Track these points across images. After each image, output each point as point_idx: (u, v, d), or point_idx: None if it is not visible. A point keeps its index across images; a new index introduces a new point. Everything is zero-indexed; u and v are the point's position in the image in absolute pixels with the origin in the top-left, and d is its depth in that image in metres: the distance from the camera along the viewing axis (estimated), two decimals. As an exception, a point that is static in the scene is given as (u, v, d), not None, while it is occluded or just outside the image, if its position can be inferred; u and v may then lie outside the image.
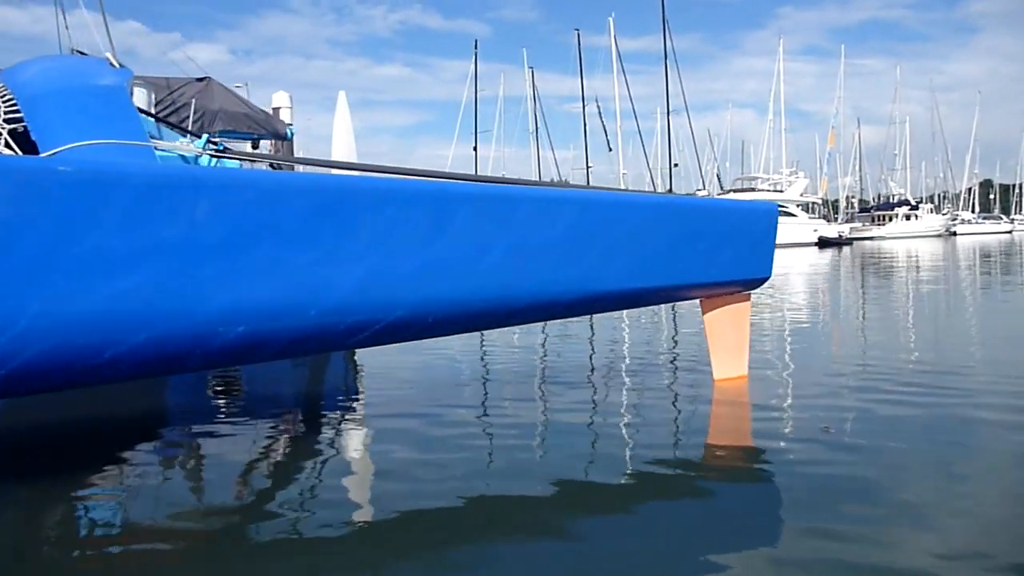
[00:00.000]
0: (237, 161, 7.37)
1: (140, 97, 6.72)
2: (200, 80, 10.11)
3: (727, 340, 5.11)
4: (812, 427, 3.84)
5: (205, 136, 6.88)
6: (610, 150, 58.29)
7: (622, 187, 57.93)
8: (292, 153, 11.13)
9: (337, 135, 10.37)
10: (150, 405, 4.89)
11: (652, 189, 60.19)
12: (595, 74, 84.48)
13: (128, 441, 3.90)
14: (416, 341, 4.41)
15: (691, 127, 58.39)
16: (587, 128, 60.47)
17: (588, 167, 61.42)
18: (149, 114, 6.45)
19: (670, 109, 55.06)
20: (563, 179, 69.36)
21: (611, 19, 57.26)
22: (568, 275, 4.07)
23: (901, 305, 10.46)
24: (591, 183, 61.64)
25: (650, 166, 59.15)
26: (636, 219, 4.38)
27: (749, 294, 5.16)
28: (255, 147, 10.99)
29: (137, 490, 3.14)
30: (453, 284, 3.65)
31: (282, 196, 3.20)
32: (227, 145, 10.34)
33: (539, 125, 66.21)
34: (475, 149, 63.65)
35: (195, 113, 9.85)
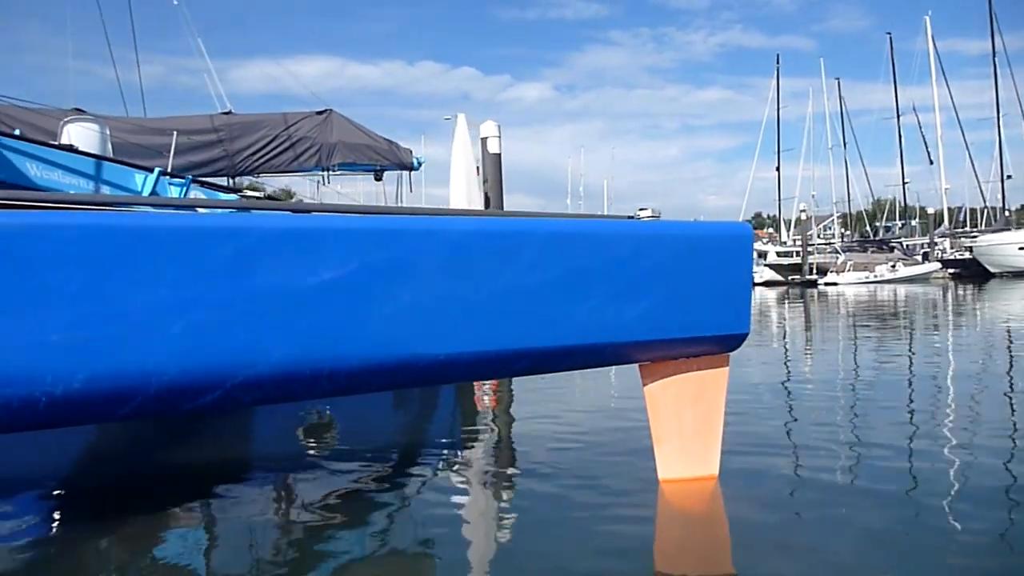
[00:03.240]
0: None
1: (84, 136, 6.43)
2: (320, 113, 9.82)
3: (682, 424, 3.42)
4: None
5: (156, 171, 6.42)
6: (931, 163, 52.07)
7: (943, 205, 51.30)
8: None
9: (456, 160, 9.57)
10: (234, 447, 4.69)
11: (984, 204, 52.74)
12: (917, 81, 76.07)
13: (205, 486, 3.60)
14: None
15: (1031, 133, 49.91)
16: (903, 141, 54.52)
17: (904, 183, 55.42)
18: (85, 153, 6.12)
19: (1000, 115, 47.89)
20: (876, 198, 63.18)
21: (927, 18, 51.03)
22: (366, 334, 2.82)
23: None
24: (876, 201, 55.69)
25: (979, 179, 51.80)
26: (492, 254, 3.00)
27: (725, 357, 3.44)
28: (378, 178, 10.51)
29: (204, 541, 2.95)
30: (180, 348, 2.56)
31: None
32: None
33: (847, 139, 61.17)
34: (778, 169, 60.40)
35: (312, 147, 9.58)
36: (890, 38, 55.17)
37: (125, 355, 2.50)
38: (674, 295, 3.19)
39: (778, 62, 62.09)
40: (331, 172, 9.88)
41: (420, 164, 10.36)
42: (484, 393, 5.98)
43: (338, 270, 2.74)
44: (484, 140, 19.51)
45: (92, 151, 6.15)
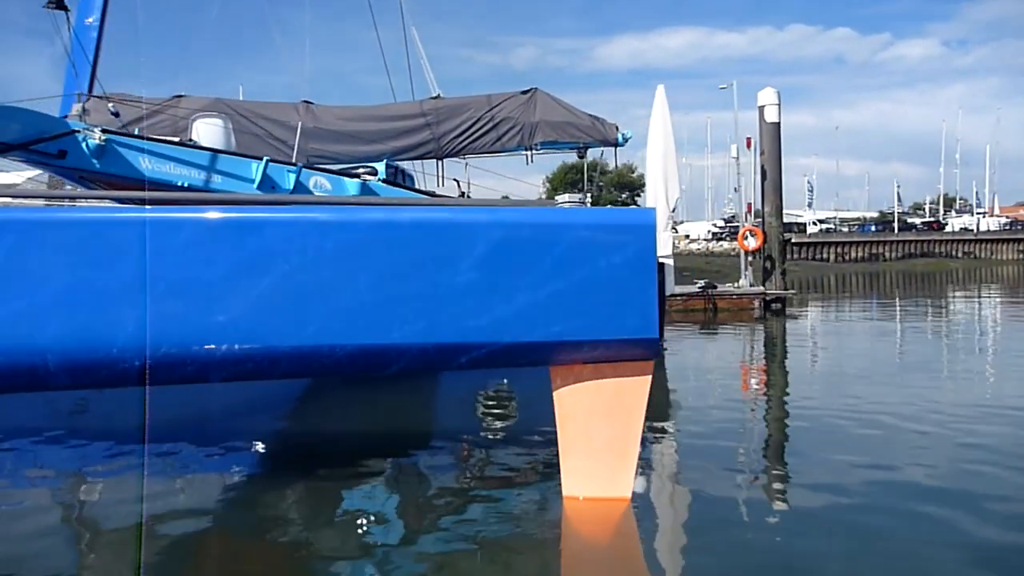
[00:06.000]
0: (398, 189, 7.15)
1: (209, 131, 6.95)
2: (524, 92, 9.82)
3: (592, 437, 3.09)
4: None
5: (265, 159, 6.72)
6: None
7: None
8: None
9: (653, 135, 9.11)
10: (418, 418, 5.56)
11: None
12: None
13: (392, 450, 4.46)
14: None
15: None
16: None
17: None
18: (197, 147, 6.59)
19: None
20: None
21: None
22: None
23: None
24: None
25: None
26: (354, 245, 2.99)
27: (644, 365, 3.05)
28: (581, 156, 10.28)
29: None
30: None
31: None
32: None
33: None
34: None
35: (514, 127, 9.63)
36: None
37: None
38: (565, 290, 2.85)
39: None
40: (534, 151, 9.89)
41: (626, 140, 9.98)
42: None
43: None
44: (761, 109, 18.20)
45: (216, 145, 6.84)
